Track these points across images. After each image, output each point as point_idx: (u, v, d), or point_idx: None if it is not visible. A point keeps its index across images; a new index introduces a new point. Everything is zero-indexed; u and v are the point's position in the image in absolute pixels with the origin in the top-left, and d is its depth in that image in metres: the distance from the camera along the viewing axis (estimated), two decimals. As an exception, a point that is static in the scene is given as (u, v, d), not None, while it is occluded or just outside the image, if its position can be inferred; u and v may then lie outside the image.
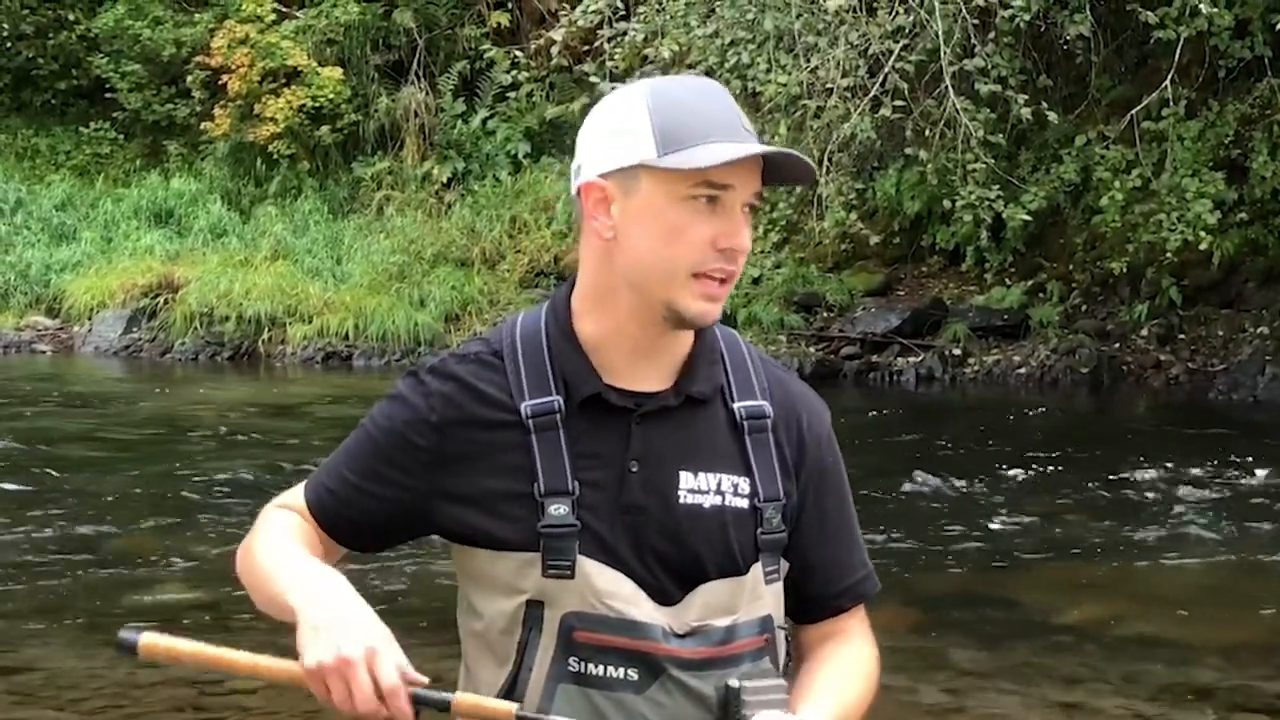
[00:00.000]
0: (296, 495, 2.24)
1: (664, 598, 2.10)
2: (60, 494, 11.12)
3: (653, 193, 2.06)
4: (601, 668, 2.06)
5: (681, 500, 2.12)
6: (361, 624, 1.98)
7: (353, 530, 2.21)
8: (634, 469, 2.11)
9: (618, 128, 2.08)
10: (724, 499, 2.14)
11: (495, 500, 2.04)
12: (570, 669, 2.07)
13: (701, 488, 2.13)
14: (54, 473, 11.98)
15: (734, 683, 2.07)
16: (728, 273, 2.09)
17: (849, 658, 2.26)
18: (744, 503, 2.15)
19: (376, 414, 2.18)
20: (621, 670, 2.06)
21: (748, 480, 2.16)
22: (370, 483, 2.16)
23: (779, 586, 2.20)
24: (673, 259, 2.06)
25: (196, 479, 11.71)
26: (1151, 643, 7.48)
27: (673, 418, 2.14)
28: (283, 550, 2.13)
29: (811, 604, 2.27)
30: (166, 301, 21.22)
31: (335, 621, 1.97)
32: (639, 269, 2.09)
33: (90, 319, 21.75)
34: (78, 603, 8.25)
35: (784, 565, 2.21)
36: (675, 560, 2.11)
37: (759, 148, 2.04)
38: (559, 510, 2.06)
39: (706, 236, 2.06)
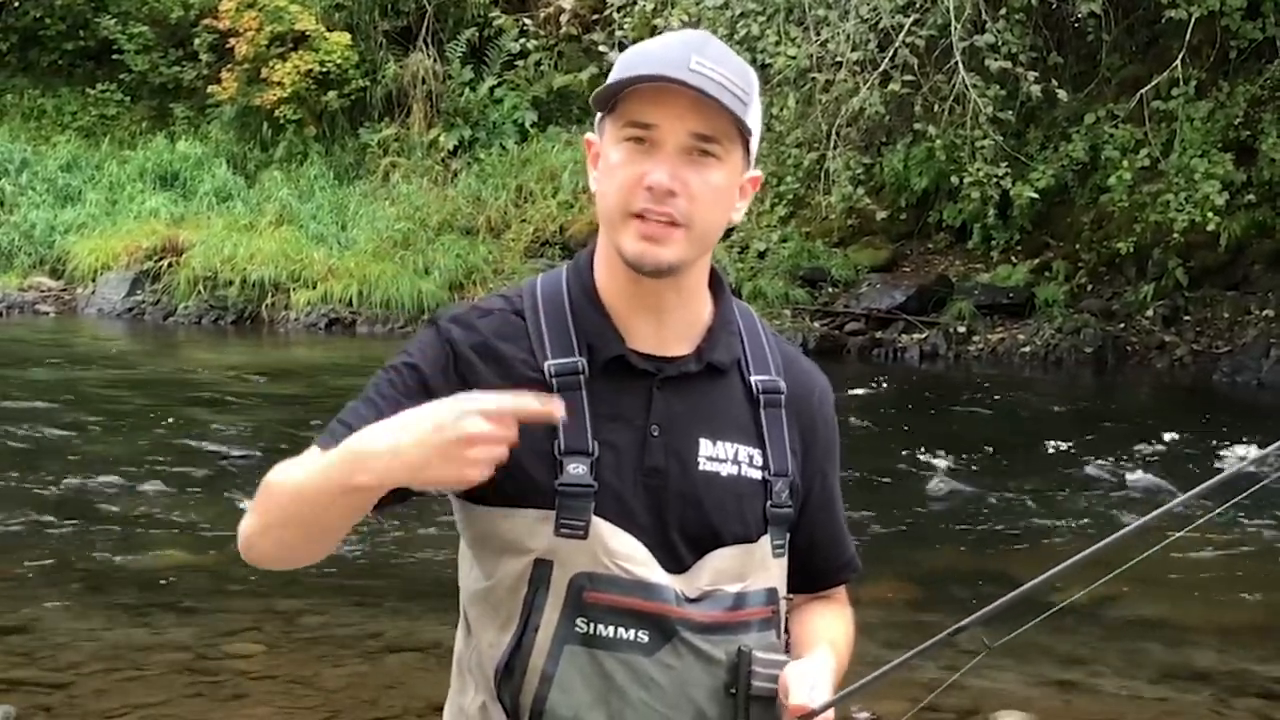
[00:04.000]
0: (304, 454, 2.08)
1: (676, 563, 2.09)
2: (60, 455, 11.13)
3: (605, 140, 2.10)
4: (611, 629, 2.05)
5: (700, 467, 2.12)
6: (427, 407, 1.89)
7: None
8: (655, 433, 2.10)
9: None
10: (740, 469, 2.14)
11: (513, 455, 1.98)
12: (578, 630, 2.05)
13: (720, 456, 2.13)
14: (54, 434, 11.99)
15: (747, 647, 2.09)
16: (661, 214, 2.04)
17: (841, 615, 2.32)
18: (757, 474, 2.15)
19: (397, 359, 2.13)
20: (632, 632, 2.05)
21: (760, 453, 2.16)
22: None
23: (784, 561, 2.20)
24: (610, 200, 2.08)
25: (196, 442, 11.72)
26: (1150, 624, 7.49)
27: (693, 384, 2.14)
28: (304, 464, 2.01)
29: (816, 575, 2.30)
30: (170, 264, 21.19)
31: (404, 424, 1.89)
32: (600, 214, 2.12)
33: (94, 281, 21.74)
34: (76, 564, 8.26)
35: (787, 540, 2.21)
36: (692, 525, 2.11)
37: (648, 74, 2.01)
38: (577, 470, 2.05)
39: (635, 175, 2.04)
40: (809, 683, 2.05)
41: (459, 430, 1.85)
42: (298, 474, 2.00)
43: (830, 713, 2.05)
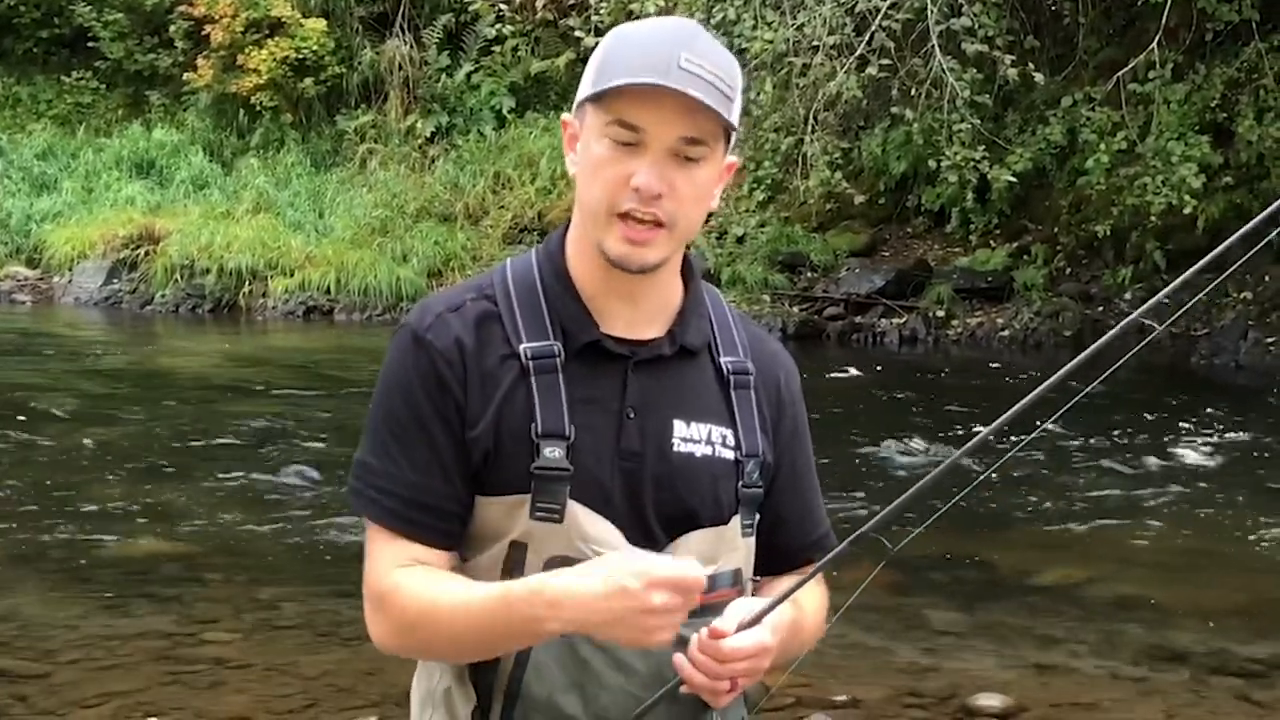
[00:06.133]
0: (387, 548, 2.10)
1: (651, 546, 2.09)
2: (37, 445, 11.08)
3: (588, 128, 2.07)
4: None
5: (676, 448, 2.12)
6: (615, 579, 1.94)
7: (462, 523, 2.12)
8: (630, 416, 2.10)
9: (588, 66, 2.10)
10: (713, 450, 2.14)
11: (494, 442, 2.04)
12: None
13: (694, 437, 2.13)
14: (31, 423, 11.93)
15: None
16: (647, 215, 2.03)
17: (811, 586, 2.24)
18: (730, 454, 2.16)
19: (394, 394, 2.11)
20: None
21: (732, 433, 2.16)
22: (445, 466, 2.08)
23: (752, 541, 2.21)
24: (594, 196, 2.06)
25: (174, 431, 11.68)
26: (1128, 605, 7.51)
27: (667, 367, 2.14)
28: (472, 589, 2.03)
29: (781, 555, 2.28)
30: (147, 253, 21.10)
31: (607, 598, 1.93)
32: (580, 206, 2.11)
33: (70, 270, 21.64)
34: (53, 553, 8.23)
35: (756, 520, 2.21)
36: (669, 507, 2.10)
37: (638, 83, 1.98)
38: (553, 453, 2.05)
39: (621, 175, 2.02)
40: (739, 612, 2.04)
41: (645, 602, 1.91)
42: (460, 604, 2.02)
43: (759, 644, 2.02)
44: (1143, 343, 2.15)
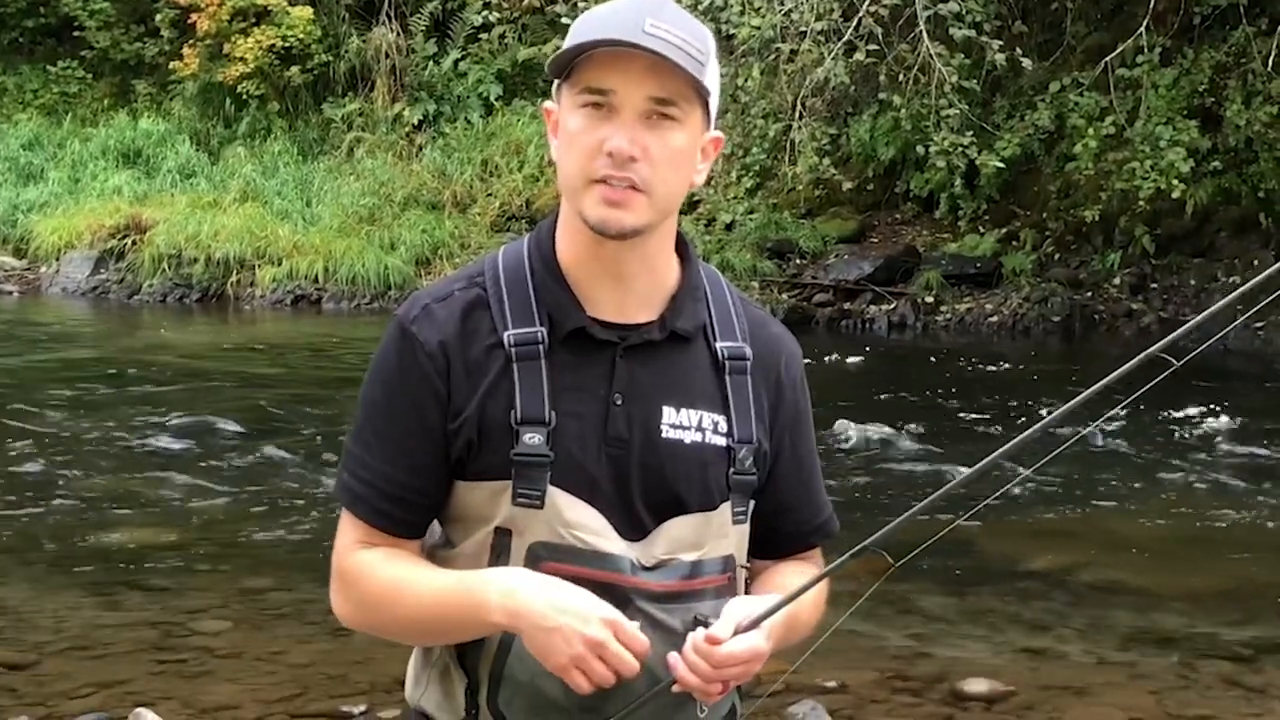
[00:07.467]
0: (352, 531, 2.15)
1: (635, 531, 2.09)
2: (24, 435, 11.04)
3: (563, 108, 2.09)
4: None
5: (664, 435, 2.12)
6: (582, 603, 2.00)
7: (430, 513, 2.16)
8: (618, 402, 2.10)
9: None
10: (704, 436, 2.14)
11: (478, 430, 2.05)
12: None
13: (683, 423, 2.13)
14: (18, 414, 11.90)
15: (702, 616, 2.08)
16: (622, 179, 2.03)
17: (808, 575, 2.25)
18: (721, 441, 2.15)
19: (376, 384, 2.14)
20: None
21: (725, 419, 2.16)
22: (415, 459, 2.11)
23: (745, 528, 2.20)
24: (571, 167, 2.07)
25: (162, 421, 11.64)
26: (1117, 590, 7.52)
27: (656, 352, 2.14)
28: (428, 578, 2.10)
29: (783, 540, 2.29)
30: (134, 243, 21.02)
31: (562, 613, 1.99)
32: (561, 181, 2.11)
33: (57, 260, 21.56)
34: (42, 544, 8.21)
35: (751, 506, 2.20)
36: (655, 494, 2.11)
37: (602, 39, 1.99)
38: (533, 440, 2.06)
39: (594, 141, 2.03)
40: (737, 615, 2.06)
41: (591, 629, 1.98)
42: (422, 586, 2.09)
43: (753, 650, 2.05)
44: (1165, 372, 2.14)
